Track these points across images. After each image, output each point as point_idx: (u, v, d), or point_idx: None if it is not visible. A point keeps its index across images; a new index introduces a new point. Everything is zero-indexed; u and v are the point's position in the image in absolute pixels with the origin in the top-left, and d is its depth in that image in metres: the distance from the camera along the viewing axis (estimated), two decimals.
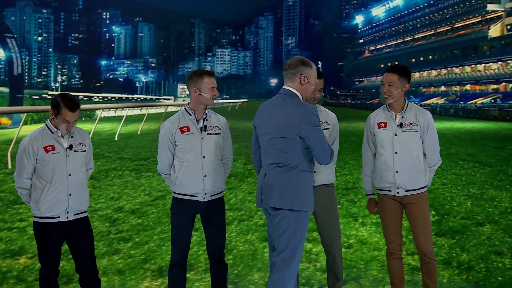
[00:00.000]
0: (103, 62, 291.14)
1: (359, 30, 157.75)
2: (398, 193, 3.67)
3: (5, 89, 40.21)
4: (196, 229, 5.47)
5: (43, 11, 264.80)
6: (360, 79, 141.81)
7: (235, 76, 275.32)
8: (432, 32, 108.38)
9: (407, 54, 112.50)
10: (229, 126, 3.81)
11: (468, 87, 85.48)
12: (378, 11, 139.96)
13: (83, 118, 32.89)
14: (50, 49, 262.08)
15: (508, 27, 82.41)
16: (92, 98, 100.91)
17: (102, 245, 5.44)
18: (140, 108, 36.50)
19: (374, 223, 6.27)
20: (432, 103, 76.04)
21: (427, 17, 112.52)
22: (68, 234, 3.43)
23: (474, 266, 4.78)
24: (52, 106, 3.36)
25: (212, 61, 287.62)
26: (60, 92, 3.52)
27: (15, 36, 33.88)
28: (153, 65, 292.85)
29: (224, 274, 3.68)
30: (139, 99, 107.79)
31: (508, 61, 77.52)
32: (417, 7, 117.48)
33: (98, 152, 13.39)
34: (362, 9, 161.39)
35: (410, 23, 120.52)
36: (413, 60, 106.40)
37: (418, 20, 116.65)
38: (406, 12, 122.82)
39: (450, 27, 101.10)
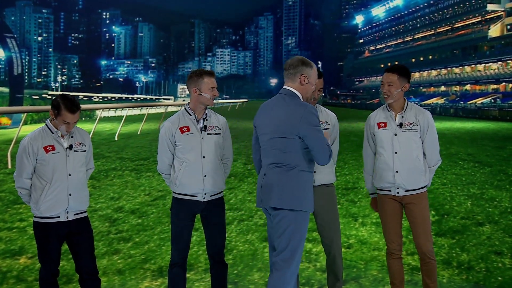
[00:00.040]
0: (103, 62, 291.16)
1: (359, 30, 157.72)
2: (398, 193, 3.68)
3: (5, 89, 40.22)
4: (196, 229, 5.48)
5: (43, 11, 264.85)
6: (360, 79, 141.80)
7: (235, 76, 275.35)
8: (432, 32, 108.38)
9: (407, 54, 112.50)
10: (229, 126, 3.81)
11: (468, 87, 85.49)
12: (378, 11, 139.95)
13: (83, 118, 32.88)
14: (50, 49, 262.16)
15: (508, 27, 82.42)
16: (92, 98, 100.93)
17: (102, 245, 5.44)
18: (140, 108, 36.50)
19: (374, 223, 6.27)
20: (432, 103, 76.04)
21: (427, 17, 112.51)
22: (68, 234, 3.43)
23: (474, 266, 4.79)
24: (52, 107, 3.36)
25: (212, 61, 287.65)
26: (60, 93, 3.52)
27: (15, 36, 33.89)
28: (153, 65, 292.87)
29: (224, 274, 3.68)
30: (139, 99, 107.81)
31: (508, 61, 77.53)
32: (417, 7, 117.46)
33: (98, 152, 13.39)
34: (362, 9, 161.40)
35: (410, 23, 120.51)
36: (413, 60, 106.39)
37: (418, 20, 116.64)
38: (406, 12, 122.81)
39: (450, 27, 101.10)
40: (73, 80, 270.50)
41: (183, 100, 74.46)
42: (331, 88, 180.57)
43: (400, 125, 3.66)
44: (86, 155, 3.52)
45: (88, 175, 3.60)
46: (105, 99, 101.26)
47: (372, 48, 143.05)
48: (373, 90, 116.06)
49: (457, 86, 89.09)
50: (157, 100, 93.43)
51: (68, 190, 3.37)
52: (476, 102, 65.09)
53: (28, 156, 3.36)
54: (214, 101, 3.59)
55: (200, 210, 3.56)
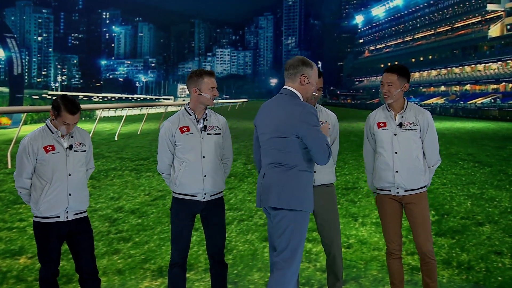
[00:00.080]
0: (103, 62, 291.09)
1: (359, 30, 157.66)
2: (397, 193, 3.68)
3: (5, 89, 40.21)
4: (196, 229, 5.48)
5: (43, 11, 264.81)
6: (360, 79, 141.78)
7: (235, 76, 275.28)
8: (432, 32, 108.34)
9: (407, 54, 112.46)
10: (229, 126, 3.81)
11: (468, 87, 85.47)
12: (378, 11, 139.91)
13: (83, 118, 32.87)
14: (50, 49, 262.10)
15: (508, 27, 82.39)
16: (92, 98, 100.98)
17: (102, 245, 5.44)
18: (140, 108, 36.50)
19: (374, 223, 6.27)
20: (432, 103, 76.02)
21: (427, 17, 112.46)
22: (68, 234, 3.43)
23: (474, 266, 4.79)
24: (52, 107, 3.36)
25: (212, 61, 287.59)
26: (61, 94, 3.52)
27: (15, 36, 33.88)
28: (153, 65, 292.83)
29: (224, 274, 3.68)
30: (139, 99, 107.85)
31: (508, 61, 77.50)
32: (417, 7, 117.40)
33: (98, 152, 13.39)
34: (362, 9, 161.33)
35: (410, 23, 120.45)
36: (413, 60, 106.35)
37: (418, 20, 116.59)
38: (406, 12, 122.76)
39: (450, 27, 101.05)
40: (73, 80, 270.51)
41: (183, 100, 74.47)
42: (331, 88, 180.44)
43: (400, 125, 3.66)
44: (86, 155, 3.52)
45: (88, 175, 3.60)
46: (105, 99, 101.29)
47: (372, 48, 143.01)
48: (373, 90, 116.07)
49: (457, 86, 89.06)
50: (157, 100, 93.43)
51: (68, 190, 3.37)
52: (476, 102, 65.07)
53: (28, 156, 3.36)
54: (214, 101, 3.59)
55: (200, 210, 3.56)
